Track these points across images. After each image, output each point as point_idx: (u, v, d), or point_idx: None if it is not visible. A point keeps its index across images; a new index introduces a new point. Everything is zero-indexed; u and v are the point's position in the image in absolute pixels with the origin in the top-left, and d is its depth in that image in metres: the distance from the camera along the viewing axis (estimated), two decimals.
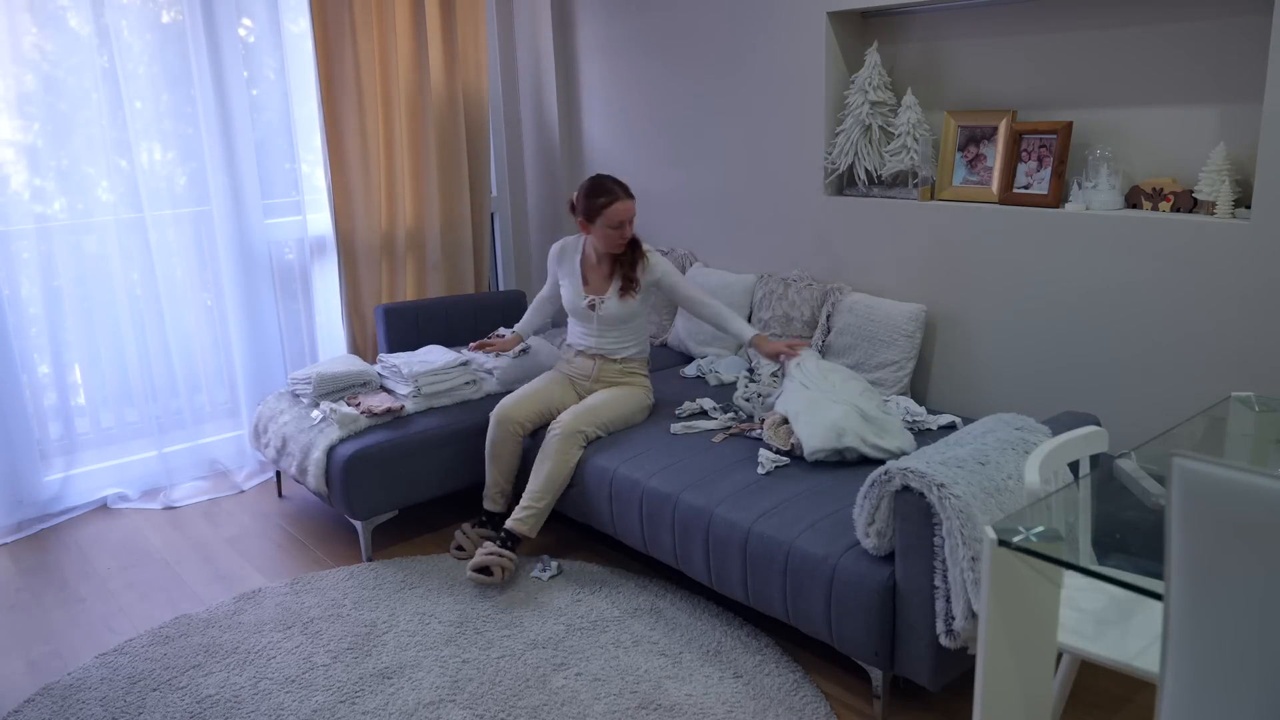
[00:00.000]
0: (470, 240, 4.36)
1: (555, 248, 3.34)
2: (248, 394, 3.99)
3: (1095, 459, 2.05)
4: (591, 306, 3.19)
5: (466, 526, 3.20)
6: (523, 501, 2.98)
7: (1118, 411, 2.81)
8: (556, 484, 2.98)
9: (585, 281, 3.23)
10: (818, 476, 2.68)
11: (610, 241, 3.11)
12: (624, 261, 3.17)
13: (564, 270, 3.30)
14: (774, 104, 3.59)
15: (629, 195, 3.09)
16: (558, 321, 4.29)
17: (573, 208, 3.15)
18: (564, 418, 3.02)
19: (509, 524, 2.96)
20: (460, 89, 4.22)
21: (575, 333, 3.32)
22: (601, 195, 3.06)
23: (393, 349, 3.85)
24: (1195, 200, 2.60)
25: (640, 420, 3.19)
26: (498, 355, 3.53)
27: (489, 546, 2.94)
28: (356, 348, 4.14)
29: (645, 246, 3.21)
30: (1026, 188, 2.96)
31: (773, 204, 3.69)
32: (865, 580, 2.20)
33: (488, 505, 3.20)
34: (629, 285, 3.15)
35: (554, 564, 3.02)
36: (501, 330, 3.54)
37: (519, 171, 4.76)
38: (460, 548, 3.16)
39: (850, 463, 2.76)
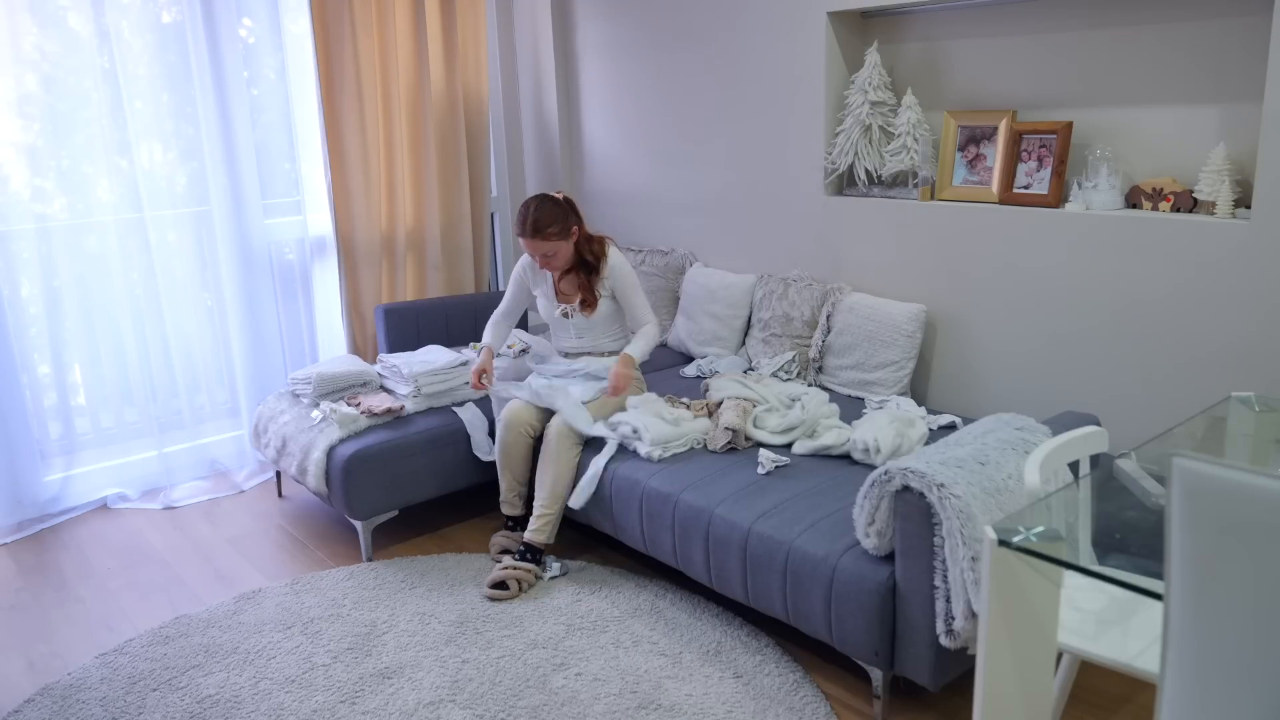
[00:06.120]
0: (470, 240, 4.36)
1: (522, 259, 3.34)
2: (248, 394, 3.99)
3: (1095, 459, 2.05)
4: (565, 315, 3.23)
5: (501, 532, 3.18)
6: (535, 511, 2.98)
7: (1118, 411, 2.81)
8: (563, 486, 2.98)
9: (558, 292, 3.26)
10: (818, 476, 2.68)
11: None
12: (584, 274, 3.18)
13: (536, 281, 3.33)
14: (774, 104, 3.59)
15: (531, 234, 3.05)
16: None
17: None
18: (559, 418, 3.02)
19: (527, 536, 2.97)
20: (460, 89, 4.22)
21: (559, 339, 3.35)
22: (516, 224, 3.11)
23: (393, 349, 3.84)
24: (1195, 200, 2.60)
25: None
26: (488, 380, 3.21)
27: (507, 561, 2.95)
28: (356, 348, 4.14)
29: (609, 248, 3.21)
30: (1026, 188, 2.96)
31: (773, 204, 3.69)
32: (865, 580, 2.20)
33: (506, 510, 3.17)
34: (586, 302, 3.19)
35: (556, 565, 3.02)
36: (473, 348, 3.51)
37: (519, 171, 4.76)
38: (506, 550, 3.11)
39: (850, 463, 2.76)
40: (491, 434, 3.34)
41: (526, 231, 3.06)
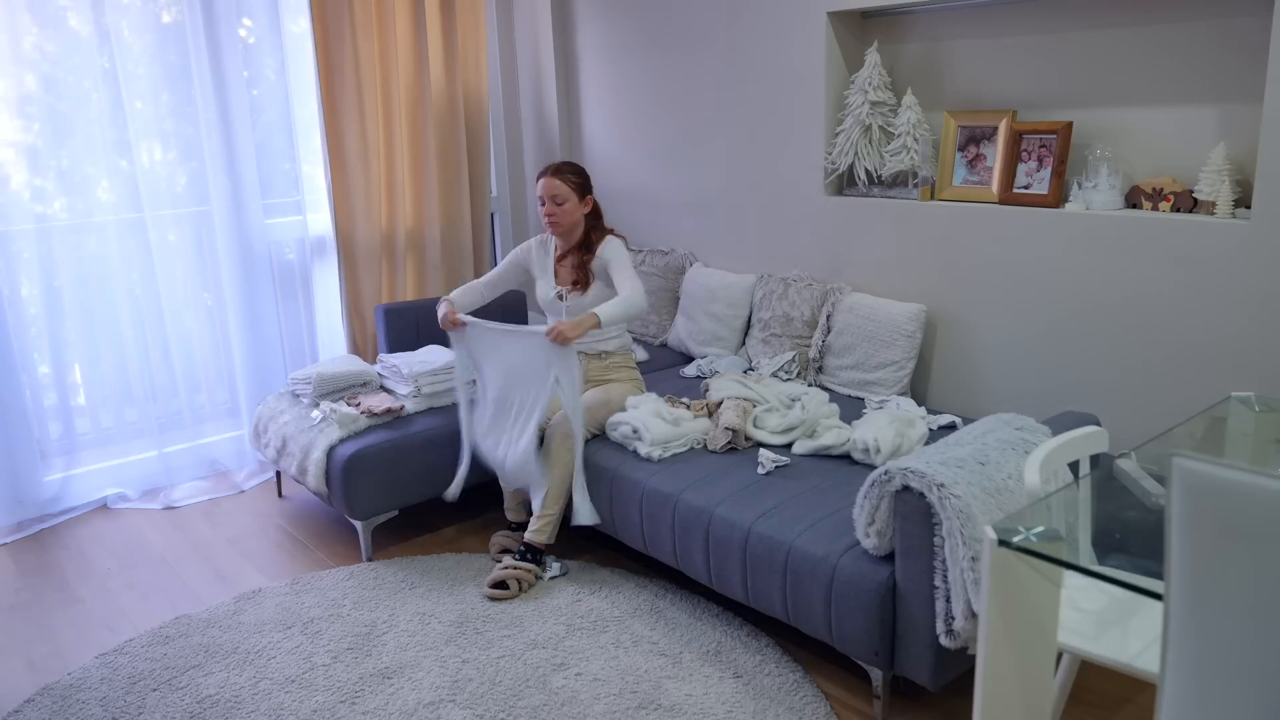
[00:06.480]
0: (470, 240, 4.36)
1: (529, 242, 3.36)
2: (248, 394, 3.99)
3: (1095, 459, 2.05)
4: (560, 297, 3.21)
5: (502, 532, 3.19)
6: (536, 512, 2.98)
7: (1118, 411, 2.81)
8: (563, 487, 2.98)
9: (556, 275, 3.27)
10: (818, 476, 2.68)
11: (543, 216, 3.20)
12: (582, 254, 3.20)
13: (538, 265, 3.32)
14: (774, 104, 3.59)
15: (553, 173, 3.17)
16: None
17: None
18: (558, 419, 3.02)
19: (528, 537, 2.97)
20: (460, 89, 4.22)
21: None
22: (540, 172, 3.23)
23: (393, 349, 3.84)
24: (1195, 200, 2.60)
25: None
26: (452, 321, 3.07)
27: (507, 560, 2.95)
28: (356, 348, 4.14)
29: (609, 234, 3.21)
30: (1026, 188, 2.96)
31: (773, 204, 3.69)
32: (865, 580, 2.20)
33: (510, 517, 3.21)
34: (580, 280, 3.18)
35: (556, 565, 3.02)
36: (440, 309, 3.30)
37: (519, 171, 4.76)
38: (506, 550, 3.13)
39: (850, 462, 2.76)
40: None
41: (549, 171, 3.17)
